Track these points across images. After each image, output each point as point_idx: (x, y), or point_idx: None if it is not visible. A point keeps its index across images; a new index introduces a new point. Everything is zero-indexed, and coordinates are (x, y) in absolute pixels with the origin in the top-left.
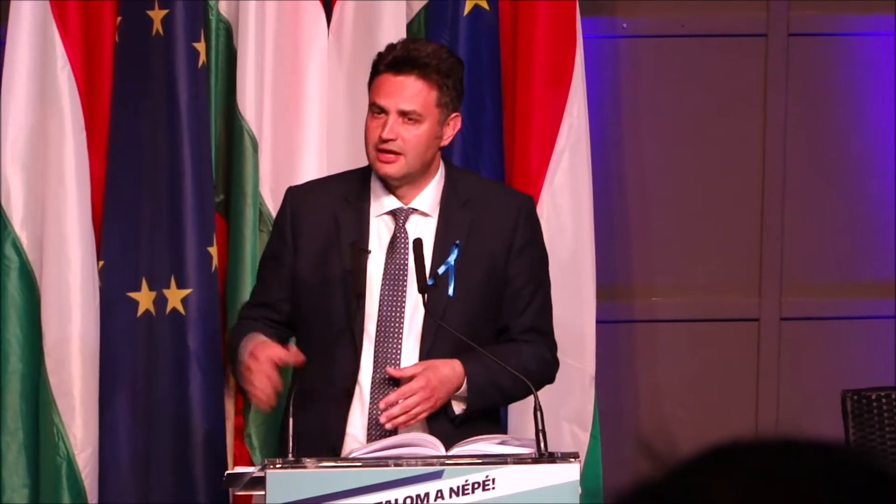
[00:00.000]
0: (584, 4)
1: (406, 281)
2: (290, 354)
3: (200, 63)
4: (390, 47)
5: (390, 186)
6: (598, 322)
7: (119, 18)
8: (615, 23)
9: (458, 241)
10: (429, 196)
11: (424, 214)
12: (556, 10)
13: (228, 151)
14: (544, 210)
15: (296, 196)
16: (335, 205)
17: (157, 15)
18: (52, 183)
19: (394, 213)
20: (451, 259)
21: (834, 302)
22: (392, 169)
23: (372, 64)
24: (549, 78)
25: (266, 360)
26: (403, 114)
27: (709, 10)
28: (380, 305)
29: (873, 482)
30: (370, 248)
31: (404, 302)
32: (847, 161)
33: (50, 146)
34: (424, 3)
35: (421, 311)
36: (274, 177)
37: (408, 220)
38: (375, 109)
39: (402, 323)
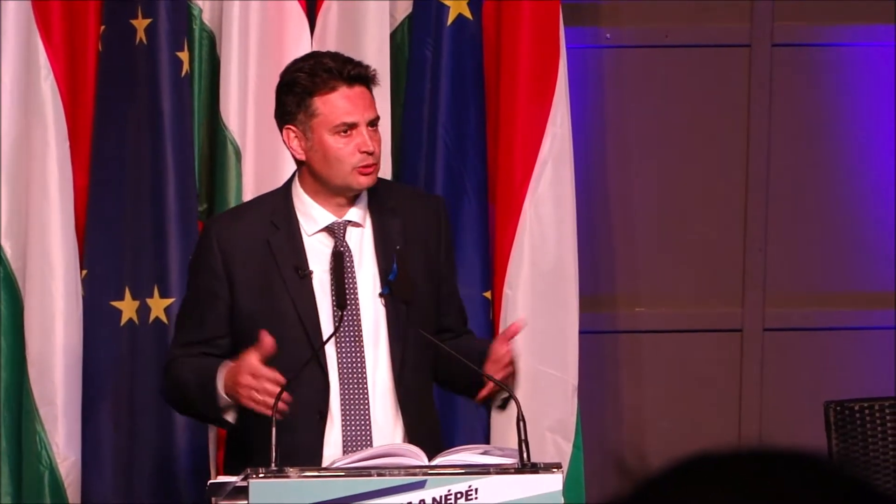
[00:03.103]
0: (568, 14)
1: (357, 293)
2: (264, 347)
3: (184, 72)
4: (317, 66)
5: (325, 202)
6: (581, 332)
7: (102, 27)
8: (599, 33)
9: (398, 248)
10: (360, 207)
11: (358, 225)
12: (539, 19)
13: (212, 160)
14: (527, 220)
15: (219, 229)
16: (262, 230)
17: (140, 24)
18: (35, 192)
19: (330, 229)
20: (396, 266)
21: (817, 312)
22: (371, 180)
23: (302, 87)
24: (533, 88)
25: (256, 370)
26: (370, 123)
27: (692, 21)
28: (335, 322)
29: (848, 492)
30: (310, 267)
31: (359, 313)
32: (830, 171)
33: (33, 156)
34: (408, 12)
35: (381, 319)
36: (257, 186)
37: (345, 233)
38: (342, 129)
39: (362, 335)
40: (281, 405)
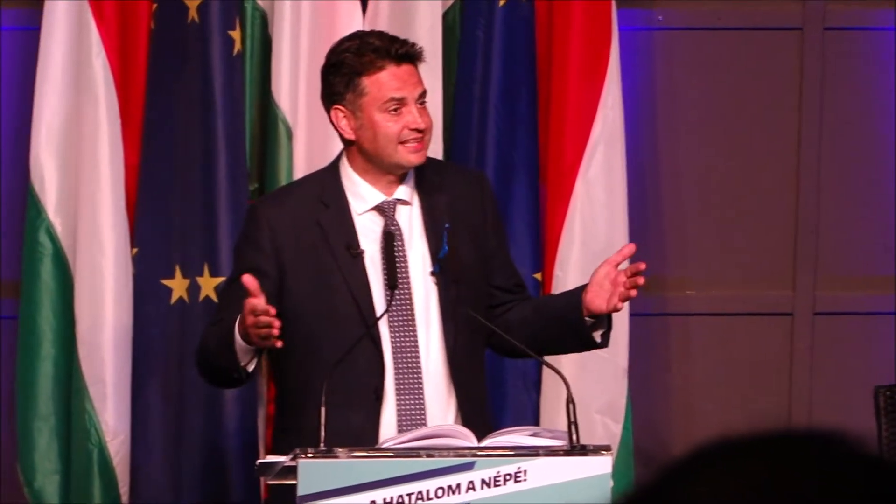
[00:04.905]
0: None
1: (408, 272)
2: (250, 291)
3: (235, 51)
4: (363, 46)
5: (375, 181)
6: (631, 315)
7: (155, 6)
8: (651, 15)
9: (447, 225)
10: (408, 185)
11: (406, 203)
12: (591, 1)
13: (263, 140)
14: (578, 201)
15: (267, 209)
16: (312, 210)
17: (192, 2)
18: (86, 170)
19: (380, 208)
20: (446, 243)
21: (868, 297)
22: (420, 157)
23: (349, 68)
24: (585, 69)
25: (253, 308)
26: (419, 99)
27: (744, 3)
28: (387, 301)
29: (868, 477)
30: (362, 246)
31: (411, 292)
32: (882, 156)
33: (84, 133)
34: None
35: (432, 298)
36: (308, 165)
37: (395, 212)
38: (391, 106)
39: (414, 314)
40: (274, 331)
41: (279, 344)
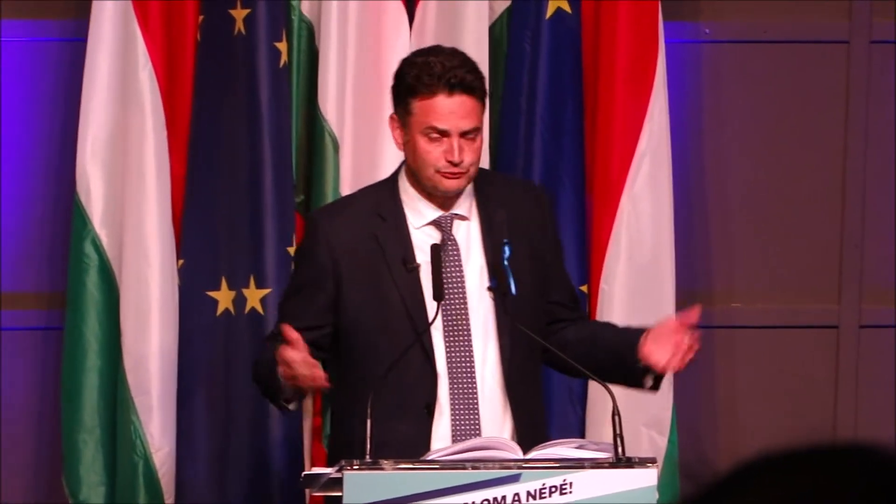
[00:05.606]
0: (667, 9)
1: (464, 285)
2: (291, 342)
3: (282, 63)
4: (425, 66)
5: (430, 196)
6: None
7: (201, 17)
8: (697, 28)
9: (506, 240)
10: (467, 199)
11: (464, 218)
12: (638, 14)
13: (309, 152)
14: (624, 214)
15: (325, 221)
16: (369, 223)
17: (239, 14)
18: (132, 181)
19: (437, 223)
20: (505, 258)
21: None
22: (456, 184)
23: (406, 85)
24: (631, 82)
25: (285, 360)
26: (464, 133)
27: (791, 17)
28: (443, 315)
29: None
30: (417, 260)
31: (467, 306)
32: None
33: (131, 145)
34: (507, 4)
35: (489, 312)
36: (354, 178)
37: (452, 227)
38: (433, 133)
39: (469, 327)
40: (320, 382)
41: (327, 385)
